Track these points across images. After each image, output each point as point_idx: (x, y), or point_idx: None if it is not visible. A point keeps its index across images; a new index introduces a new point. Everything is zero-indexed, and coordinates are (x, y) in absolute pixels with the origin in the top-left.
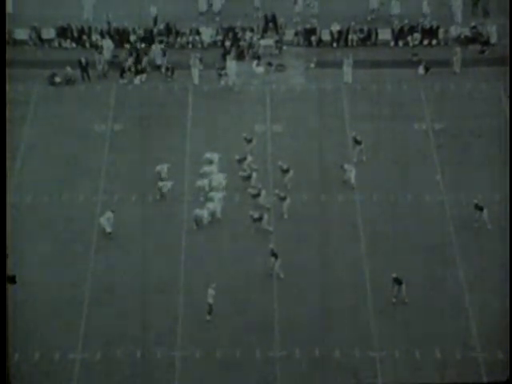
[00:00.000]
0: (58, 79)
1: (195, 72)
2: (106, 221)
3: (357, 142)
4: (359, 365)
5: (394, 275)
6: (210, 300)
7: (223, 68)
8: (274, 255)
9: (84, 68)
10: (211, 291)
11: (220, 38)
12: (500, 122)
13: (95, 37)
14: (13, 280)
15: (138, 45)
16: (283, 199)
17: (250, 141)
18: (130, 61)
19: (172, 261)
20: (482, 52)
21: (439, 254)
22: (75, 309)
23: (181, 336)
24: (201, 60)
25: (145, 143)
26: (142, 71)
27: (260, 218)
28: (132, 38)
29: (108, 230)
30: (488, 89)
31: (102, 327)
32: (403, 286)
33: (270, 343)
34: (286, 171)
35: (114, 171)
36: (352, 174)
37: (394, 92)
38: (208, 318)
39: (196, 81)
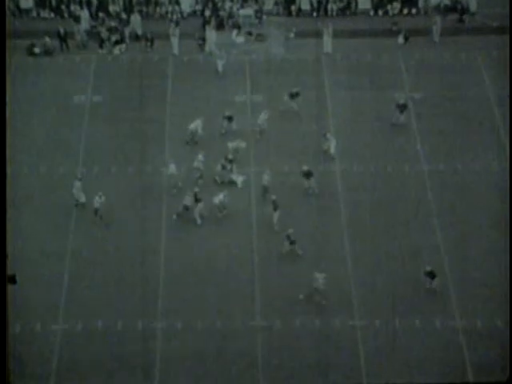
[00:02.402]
0: (36, 50)
1: (175, 42)
2: (76, 191)
3: None
4: (340, 334)
5: (429, 268)
6: None
7: (203, 38)
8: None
9: (63, 38)
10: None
11: (199, 7)
12: (479, 91)
13: (74, 7)
14: (13, 280)
15: (117, 15)
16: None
17: (230, 119)
18: (109, 31)
19: (153, 232)
20: (462, 21)
21: (418, 223)
22: (56, 280)
23: (162, 307)
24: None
25: (124, 115)
26: (122, 42)
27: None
28: (111, 8)
29: (82, 200)
30: (467, 58)
31: (83, 299)
32: (436, 280)
33: (252, 313)
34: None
35: (93, 143)
36: (332, 144)
37: (373, 62)
38: None
39: (176, 51)
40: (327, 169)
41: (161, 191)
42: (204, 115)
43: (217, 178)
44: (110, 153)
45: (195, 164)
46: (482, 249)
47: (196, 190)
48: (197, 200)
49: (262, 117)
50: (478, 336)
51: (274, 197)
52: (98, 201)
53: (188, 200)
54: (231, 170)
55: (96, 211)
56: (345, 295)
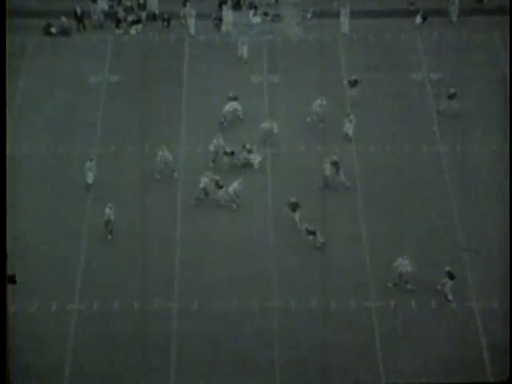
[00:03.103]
0: (53, 30)
1: (191, 22)
2: (86, 171)
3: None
4: (355, 315)
5: (448, 268)
6: None
7: (219, 18)
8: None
9: (79, 18)
10: None
11: None
12: (497, 71)
13: None
14: (13, 280)
15: None
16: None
17: (234, 99)
18: (126, 12)
19: (169, 212)
20: (480, 1)
21: (435, 204)
22: (72, 260)
23: (178, 287)
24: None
25: (140, 95)
26: (138, 22)
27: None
28: None
29: (89, 180)
30: (485, 38)
31: (100, 278)
32: (451, 282)
33: (267, 294)
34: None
35: (110, 123)
36: (352, 126)
37: (391, 42)
38: None
39: (192, 31)
40: (344, 149)
41: (177, 168)
42: (220, 96)
43: (236, 160)
44: (127, 133)
45: (212, 147)
46: (499, 230)
47: (217, 177)
48: (219, 187)
49: (317, 103)
50: (494, 317)
51: (293, 199)
52: (108, 213)
53: (205, 183)
54: (250, 151)
55: (106, 225)
56: (360, 276)
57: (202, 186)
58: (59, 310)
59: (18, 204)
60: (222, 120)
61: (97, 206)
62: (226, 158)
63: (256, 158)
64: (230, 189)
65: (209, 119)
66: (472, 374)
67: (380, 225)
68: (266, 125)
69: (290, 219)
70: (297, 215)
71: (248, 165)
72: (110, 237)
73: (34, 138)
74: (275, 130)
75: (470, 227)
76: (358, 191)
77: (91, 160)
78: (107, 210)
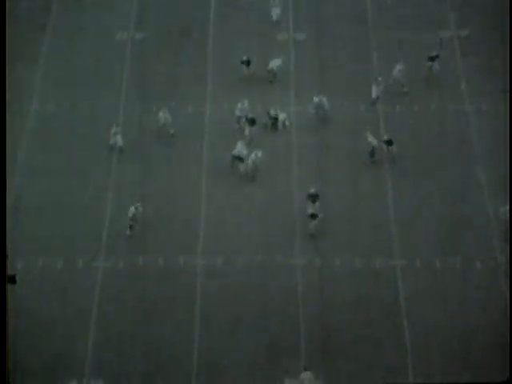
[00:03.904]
0: None
1: None
2: (113, 136)
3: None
4: (380, 273)
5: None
6: None
7: None
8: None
9: None
10: None
11: None
12: None
13: None
14: (13, 280)
15: None
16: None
17: (248, 63)
18: None
19: (193, 170)
20: None
21: (461, 163)
22: (98, 217)
23: (202, 244)
24: None
25: (166, 53)
26: None
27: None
28: None
29: (119, 143)
30: None
31: (125, 235)
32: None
33: (292, 250)
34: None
35: (135, 80)
36: (379, 89)
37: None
38: None
39: None
40: (369, 109)
41: (202, 130)
42: (247, 53)
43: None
44: (152, 90)
45: (237, 112)
46: None
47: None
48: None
49: (398, 68)
50: None
51: (313, 190)
52: (133, 212)
53: (240, 148)
54: (276, 118)
55: (129, 221)
56: (385, 235)
57: (234, 153)
58: (85, 266)
59: (44, 161)
60: (271, 79)
61: (122, 162)
62: (247, 129)
63: (282, 119)
64: (249, 160)
65: (234, 79)
66: (494, 333)
67: (406, 185)
68: (316, 100)
69: (314, 177)
70: (316, 206)
71: (273, 127)
72: (128, 232)
73: (59, 94)
74: (326, 105)
75: (494, 187)
76: (384, 153)
77: (117, 125)
78: (132, 208)
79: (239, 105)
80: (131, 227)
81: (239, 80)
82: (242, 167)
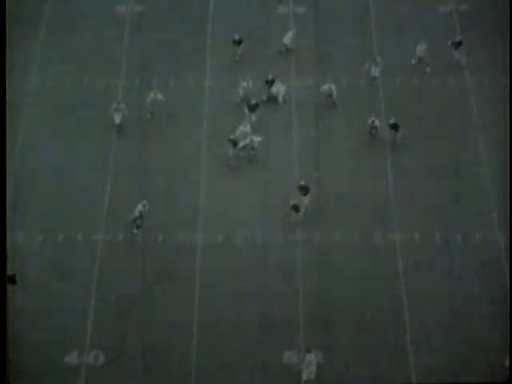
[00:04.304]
0: None
1: None
2: (114, 112)
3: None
4: (379, 247)
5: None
6: None
7: None
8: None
9: None
10: None
11: None
12: None
13: None
14: (13, 280)
15: None
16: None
17: (239, 43)
18: None
19: (195, 144)
20: None
21: (461, 137)
22: (98, 190)
23: (202, 221)
24: None
25: (166, 25)
26: None
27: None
28: None
29: (117, 121)
30: None
31: (124, 210)
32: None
33: (291, 226)
34: None
35: (135, 54)
36: (378, 69)
37: None
38: None
39: None
40: (369, 82)
41: (201, 105)
42: (245, 29)
43: (264, 97)
44: (152, 64)
45: (240, 91)
46: None
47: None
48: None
49: (420, 48)
50: None
51: (303, 182)
52: (140, 209)
53: (242, 132)
54: (272, 84)
55: (135, 220)
56: (385, 209)
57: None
58: (84, 239)
59: (44, 137)
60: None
61: (122, 139)
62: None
63: (280, 91)
64: (249, 144)
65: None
66: (493, 307)
67: (405, 160)
68: (325, 87)
69: (315, 148)
70: (307, 199)
71: (272, 99)
72: (135, 231)
73: (60, 69)
74: (335, 94)
75: (495, 160)
76: (385, 127)
77: (118, 102)
78: (140, 206)
79: (244, 83)
80: (138, 227)
81: (239, 56)
82: (231, 152)
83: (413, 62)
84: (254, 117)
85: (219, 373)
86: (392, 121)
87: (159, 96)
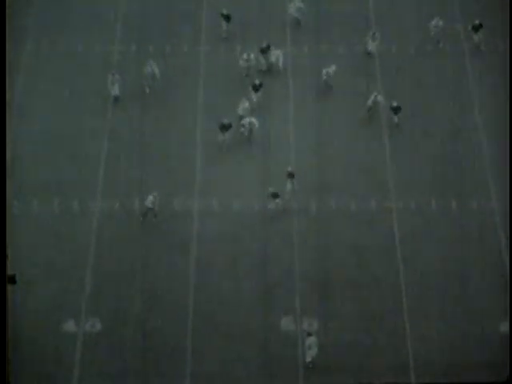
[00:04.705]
0: None
1: None
2: (110, 85)
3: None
4: (375, 216)
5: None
6: None
7: None
8: None
9: None
10: None
11: None
12: None
13: None
14: (13, 280)
15: None
16: None
17: (228, 18)
18: None
19: (189, 113)
20: None
21: (458, 104)
22: (94, 159)
23: (198, 187)
24: None
25: None
26: None
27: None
28: None
29: (115, 92)
30: None
31: (121, 178)
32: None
33: (288, 195)
34: None
35: (129, 21)
36: (375, 43)
37: None
38: None
39: None
40: (366, 55)
41: (197, 73)
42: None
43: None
44: (147, 31)
45: (241, 62)
46: None
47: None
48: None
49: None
50: None
51: (290, 168)
52: (151, 200)
53: (242, 111)
54: (268, 50)
55: (146, 213)
56: (381, 177)
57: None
58: (81, 208)
59: (40, 107)
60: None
61: (117, 107)
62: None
63: (279, 59)
64: (246, 125)
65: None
66: (490, 273)
67: (402, 128)
68: (324, 71)
69: (309, 124)
70: (290, 184)
71: (272, 68)
72: (141, 219)
73: (53, 38)
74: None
75: (492, 127)
76: (380, 90)
77: (113, 74)
78: (151, 197)
79: (244, 55)
80: (144, 215)
81: (226, 32)
82: (220, 137)
83: (432, 34)
84: (255, 97)
85: (216, 339)
86: (394, 104)
87: (156, 69)
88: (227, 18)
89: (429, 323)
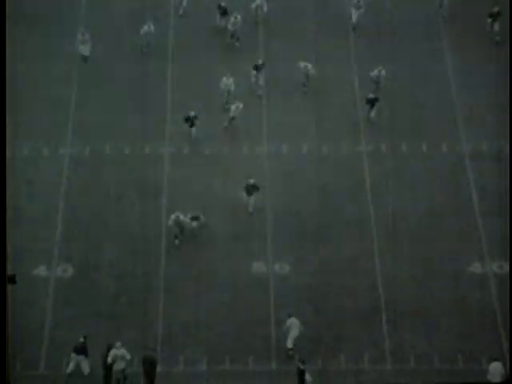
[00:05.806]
0: None
1: None
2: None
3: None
4: (346, 159)
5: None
6: None
7: None
8: None
9: None
10: None
11: None
12: None
13: None
14: (13, 280)
15: None
16: None
17: (224, 12)
18: None
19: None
20: None
21: (427, 46)
22: (63, 104)
23: (169, 133)
24: None
25: None
26: None
27: None
28: None
29: (85, 53)
30: None
31: (91, 123)
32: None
33: (258, 139)
34: None
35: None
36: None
37: None
38: None
39: None
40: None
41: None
42: None
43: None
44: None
45: (229, 26)
46: (488, 72)
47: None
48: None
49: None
50: (483, 159)
51: (252, 181)
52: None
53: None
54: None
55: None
56: (352, 121)
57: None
58: (51, 153)
59: (14, 47)
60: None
61: (83, 75)
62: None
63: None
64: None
65: None
66: (461, 215)
67: (372, 67)
68: (302, 65)
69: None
70: (252, 199)
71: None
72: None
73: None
74: (312, 71)
75: (459, 73)
76: (352, 35)
77: (83, 34)
78: (173, 216)
79: (232, 18)
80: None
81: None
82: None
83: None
84: (254, 77)
85: (189, 283)
86: (371, 95)
87: (152, 28)
88: (224, 11)
89: (400, 264)
